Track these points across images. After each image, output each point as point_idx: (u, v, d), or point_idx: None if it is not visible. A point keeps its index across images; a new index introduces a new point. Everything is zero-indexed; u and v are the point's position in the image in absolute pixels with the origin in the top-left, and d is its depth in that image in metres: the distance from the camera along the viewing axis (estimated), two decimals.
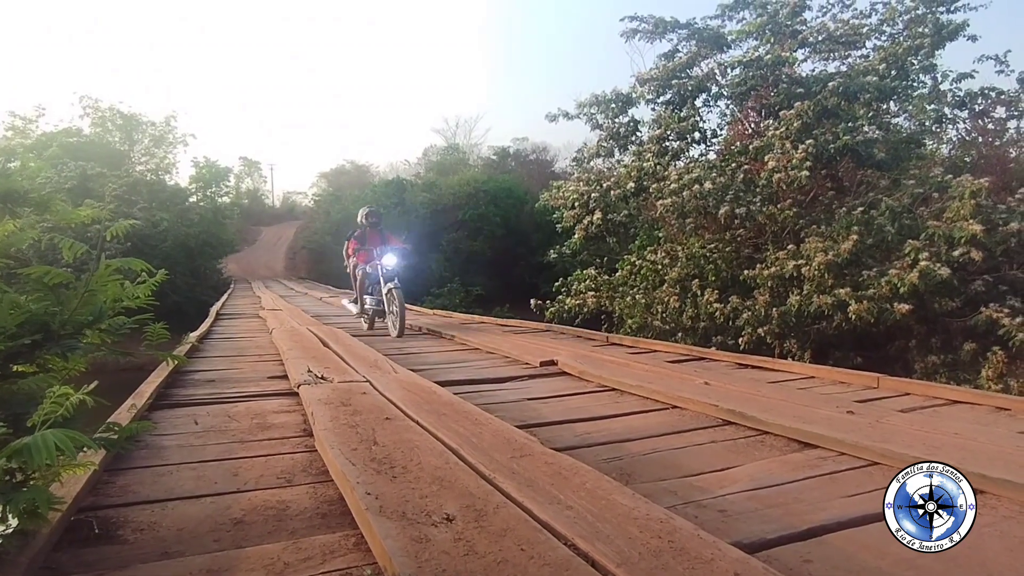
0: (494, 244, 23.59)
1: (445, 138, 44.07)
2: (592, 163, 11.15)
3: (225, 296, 13.66)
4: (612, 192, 8.78)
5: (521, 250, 23.13)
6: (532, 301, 9.97)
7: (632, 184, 8.72)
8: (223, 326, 6.96)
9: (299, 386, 2.92)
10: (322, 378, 3.12)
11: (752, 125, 10.28)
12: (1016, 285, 6.72)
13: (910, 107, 9.89)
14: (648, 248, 9.14)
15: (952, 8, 10.49)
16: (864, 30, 11.45)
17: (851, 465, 1.93)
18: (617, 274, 9.34)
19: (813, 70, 10.57)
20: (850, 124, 7.89)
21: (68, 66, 66.65)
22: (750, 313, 7.15)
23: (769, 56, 8.51)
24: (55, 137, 30.14)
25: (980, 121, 10.10)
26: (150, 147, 33.03)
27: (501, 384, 3.35)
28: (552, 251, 12.24)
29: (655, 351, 4.50)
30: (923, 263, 6.20)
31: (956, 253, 6.32)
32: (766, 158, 7.70)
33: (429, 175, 29.77)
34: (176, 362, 2.27)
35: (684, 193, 7.63)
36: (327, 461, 1.92)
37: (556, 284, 10.35)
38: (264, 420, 2.55)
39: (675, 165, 8.34)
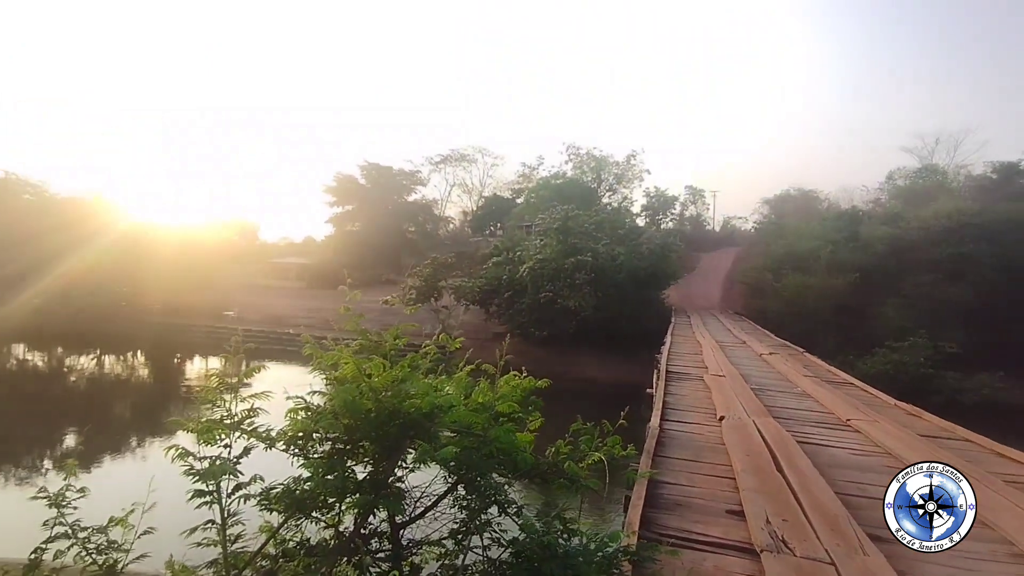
0: (980, 291, 18.80)
1: (919, 158, 37.45)
2: None
3: (669, 338, 14.91)
4: None
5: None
6: None
7: None
8: (673, 396, 7.77)
9: (762, 552, 3.17)
10: (783, 541, 3.30)
11: None
12: None
13: None
14: None
15: None
16: None
17: None
18: None
19: None
20: None
21: (561, 123, 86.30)
22: None
23: None
24: (547, 181, 38.55)
25: None
26: (613, 184, 38.67)
27: None
28: None
29: None
30: None
31: None
32: None
33: (893, 203, 25.66)
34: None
35: None
36: None
37: None
38: None
39: None
